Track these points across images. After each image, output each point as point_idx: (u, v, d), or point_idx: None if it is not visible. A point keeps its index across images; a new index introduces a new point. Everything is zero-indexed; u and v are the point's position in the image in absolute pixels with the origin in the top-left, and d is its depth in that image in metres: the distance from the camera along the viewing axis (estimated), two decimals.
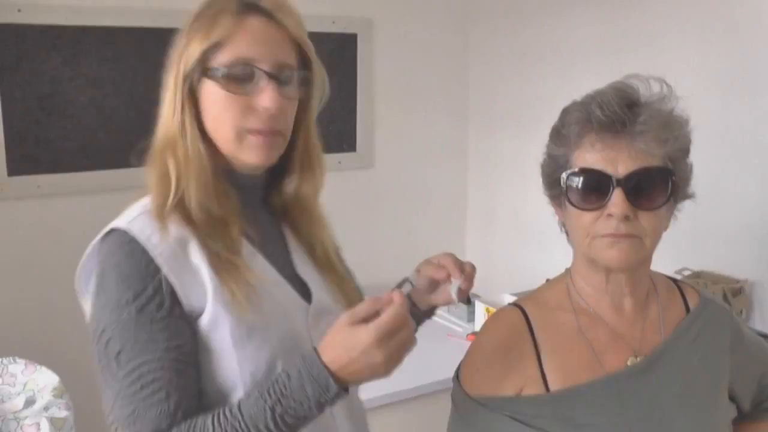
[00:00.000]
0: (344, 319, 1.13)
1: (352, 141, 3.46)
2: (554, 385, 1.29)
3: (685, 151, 1.31)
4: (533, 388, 1.30)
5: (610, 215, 1.23)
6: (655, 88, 1.27)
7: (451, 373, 1.42)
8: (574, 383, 1.29)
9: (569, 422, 1.27)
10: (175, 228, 1.21)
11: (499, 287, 3.13)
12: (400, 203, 3.59)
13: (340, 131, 3.42)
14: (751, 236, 2.63)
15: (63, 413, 1.86)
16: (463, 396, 1.35)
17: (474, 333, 3.00)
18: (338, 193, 3.41)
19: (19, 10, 2.73)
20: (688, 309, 1.40)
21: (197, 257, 1.21)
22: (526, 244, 3.40)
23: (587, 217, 1.26)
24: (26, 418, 1.82)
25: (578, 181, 1.26)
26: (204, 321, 1.19)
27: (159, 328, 1.15)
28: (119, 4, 2.89)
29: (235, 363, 1.21)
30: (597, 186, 1.24)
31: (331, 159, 3.57)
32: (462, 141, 3.82)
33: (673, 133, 1.26)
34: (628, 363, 1.31)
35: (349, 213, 3.47)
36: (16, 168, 2.83)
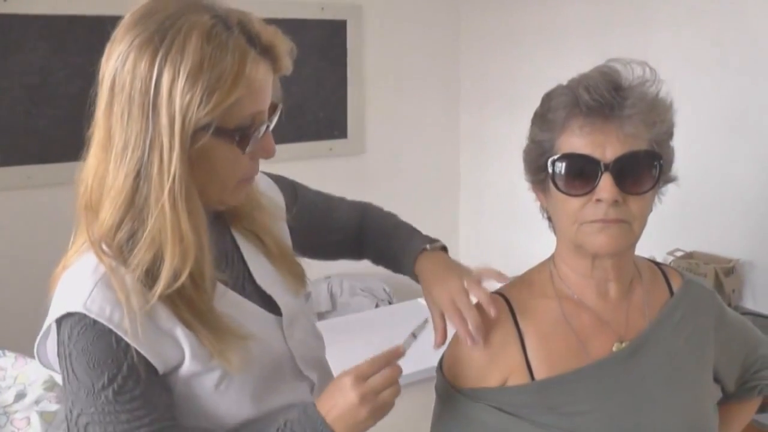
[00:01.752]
0: (349, 377, 1.17)
1: (343, 127, 3.45)
2: (539, 374, 1.29)
3: (670, 135, 1.30)
4: (518, 378, 1.29)
5: (598, 200, 1.22)
6: (638, 71, 1.26)
7: None
8: (559, 371, 1.28)
9: (556, 411, 1.26)
10: (136, 295, 1.12)
11: None
12: (392, 188, 3.59)
13: (331, 118, 3.42)
14: (742, 216, 2.63)
15: (54, 407, 1.86)
16: (447, 387, 1.34)
17: None
18: (330, 179, 3.42)
19: (5, 0, 2.72)
20: (671, 292, 1.40)
21: (168, 320, 1.15)
22: (519, 228, 3.40)
23: (574, 202, 1.24)
24: (16, 412, 1.82)
25: (565, 167, 1.25)
26: (183, 373, 1.17)
27: (139, 405, 1.12)
28: None
29: (221, 407, 1.22)
30: (585, 171, 1.23)
31: (322, 145, 3.60)
32: (453, 125, 3.81)
33: (660, 116, 1.25)
34: (614, 349, 1.30)
35: None
36: (5, 158, 2.83)
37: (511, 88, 3.48)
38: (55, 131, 2.89)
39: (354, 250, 1.62)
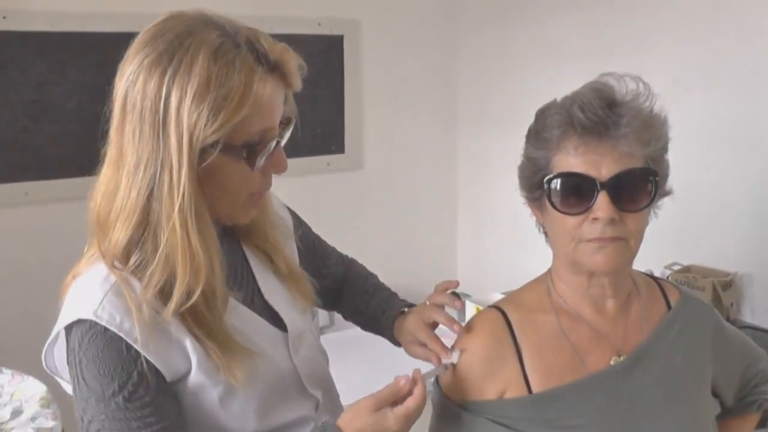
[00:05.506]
0: (369, 404, 1.19)
1: (341, 142, 3.45)
2: (536, 387, 1.28)
3: (665, 150, 1.30)
4: (515, 391, 1.29)
5: (595, 219, 1.21)
6: (631, 85, 1.26)
7: None
8: (556, 384, 1.28)
9: (552, 424, 1.26)
10: (147, 305, 1.13)
11: (489, 286, 3.14)
12: (389, 204, 3.59)
13: (328, 133, 3.42)
14: (740, 229, 2.63)
15: (50, 423, 1.86)
16: (444, 400, 1.34)
17: None
18: (327, 194, 3.45)
19: (4, 17, 2.73)
20: (669, 306, 1.40)
21: (178, 330, 1.16)
22: (517, 243, 3.40)
23: (571, 221, 1.24)
24: (13, 429, 1.81)
25: (561, 185, 1.24)
26: (190, 383, 1.19)
27: (150, 411, 1.14)
28: (104, 10, 2.89)
29: (225, 422, 1.23)
30: (581, 190, 1.22)
31: (319, 161, 3.60)
32: (451, 141, 3.82)
33: (655, 133, 1.25)
34: (611, 362, 1.30)
35: (339, 215, 3.47)
36: (3, 175, 2.82)
37: (507, 105, 3.49)
38: (53, 147, 2.89)
39: (330, 299, 1.64)
